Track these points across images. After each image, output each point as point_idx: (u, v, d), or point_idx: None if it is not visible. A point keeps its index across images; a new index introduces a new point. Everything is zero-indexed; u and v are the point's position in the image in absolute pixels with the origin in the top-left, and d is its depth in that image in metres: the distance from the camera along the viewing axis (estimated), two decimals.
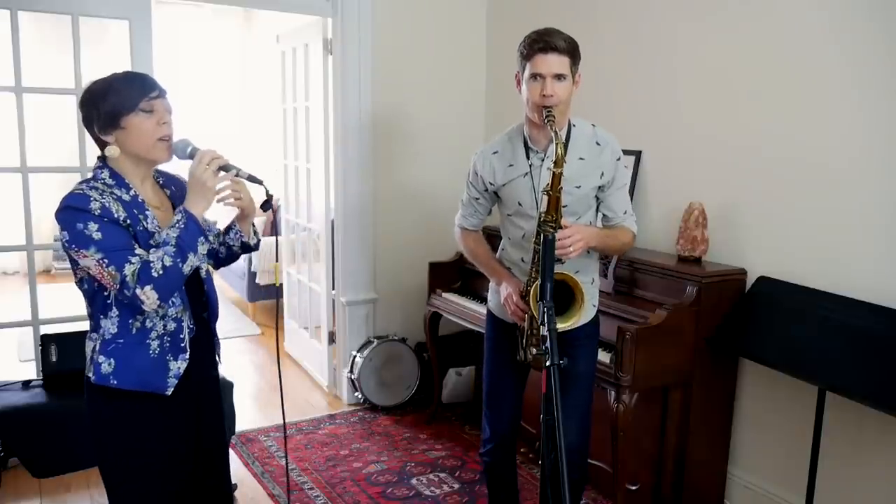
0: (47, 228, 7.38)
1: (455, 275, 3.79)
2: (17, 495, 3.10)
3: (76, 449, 3.10)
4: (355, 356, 4.05)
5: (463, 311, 3.56)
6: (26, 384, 3.12)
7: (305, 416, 3.98)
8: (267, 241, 5.92)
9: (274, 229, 1.91)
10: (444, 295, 3.72)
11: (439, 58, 4.22)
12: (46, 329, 3.32)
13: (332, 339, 4.34)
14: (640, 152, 3.29)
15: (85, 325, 3.65)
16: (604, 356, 2.64)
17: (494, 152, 2.28)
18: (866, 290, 2.41)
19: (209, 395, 1.99)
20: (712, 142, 2.98)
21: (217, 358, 2.03)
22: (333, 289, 4.30)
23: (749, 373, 2.88)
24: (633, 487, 2.85)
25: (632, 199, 3.27)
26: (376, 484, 3.24)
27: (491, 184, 2.29)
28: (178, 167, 1.95)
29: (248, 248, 2.06)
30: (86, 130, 1.79)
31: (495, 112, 4.30)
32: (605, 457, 2.91)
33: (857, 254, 2.49)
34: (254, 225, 2.08)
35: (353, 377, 4.04)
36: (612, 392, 2.57)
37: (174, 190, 1.95)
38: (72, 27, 3.34)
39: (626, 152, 3.31)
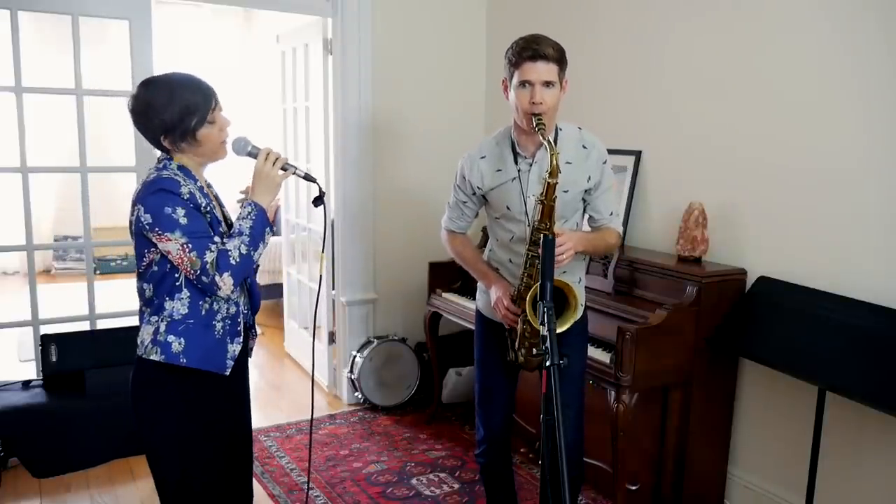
0: (47, 228, 7.39)
1: (455, 275, 3.78)
2: (17, 495, 3.09)
3: (76, 449, 3.11)
4: (355, 356, 4.05)
5: (463, 310, 3.56)
6: (26, 384, 3.12)
7: (305, 416, 3.98)
8: (271, 242, 5.93)
9: (326, 223, 2.11)
10: (444, 295, 3.72)
11: (439, 58, 4.22)
12: (46, 329, 3.32)
13: (332, 339, 4.34)
14: (640, 152, 3.29)
15: (84, 325, 3.64)
16: (604, 356, 2.64)
17: (482, 157, 2.27)
18: (866, 290, 2.41)
19: (242, 383, 2.07)
20: (712, 142, 2.98)
21: (250, 348, 2.11)
22: (333, 289, 4.30)
23: (749, 373, 2.88)
24: (633, 487, 2.85)
25: (631, 199, 3.29)
26: (376, 484, 3.24)
27: (479, 188, 2.29)
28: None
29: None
30: (143, 135, 1.86)
31: (495, 112, 4.30)
32: (605, 457, 2.91)
33: (857, 254, 2.49)
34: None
35: (353, 377, 4.04)
36: (612, 392, 2.57)
37: (216, 192, 2.05)
38: (72, 27, 3.34)
39: (625, 152, 3.33)
